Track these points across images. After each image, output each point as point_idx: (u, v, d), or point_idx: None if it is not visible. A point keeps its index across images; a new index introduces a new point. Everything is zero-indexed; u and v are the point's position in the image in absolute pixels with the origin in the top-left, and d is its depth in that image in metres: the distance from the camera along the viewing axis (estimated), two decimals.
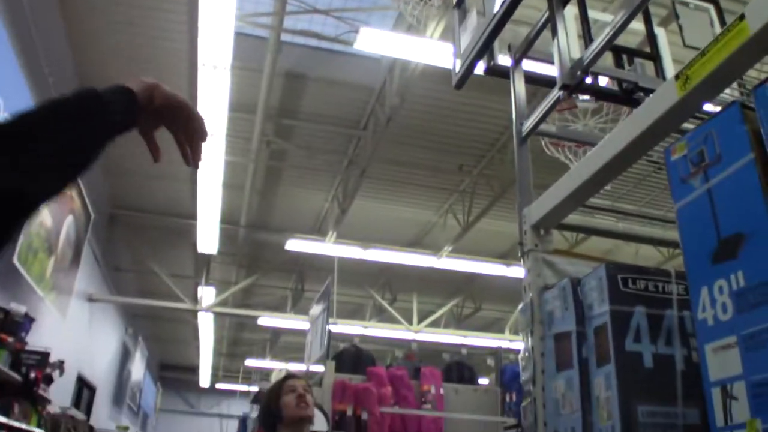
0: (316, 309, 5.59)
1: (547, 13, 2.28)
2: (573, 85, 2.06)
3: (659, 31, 3.28)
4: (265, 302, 13.84)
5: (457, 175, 8.95)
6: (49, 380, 6.32)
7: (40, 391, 6.05)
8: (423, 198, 9.65)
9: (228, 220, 10.02)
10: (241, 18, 5.74)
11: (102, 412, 12.27)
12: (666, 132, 1.70)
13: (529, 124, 2.35)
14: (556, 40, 2.13)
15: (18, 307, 5.74)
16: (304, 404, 2.62)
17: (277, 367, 12.28)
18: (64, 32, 6.59)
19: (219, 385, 20.20)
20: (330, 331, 4.67)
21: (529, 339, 2.10)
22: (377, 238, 10.49)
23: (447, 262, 10.22)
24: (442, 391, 4.53)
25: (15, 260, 5.63)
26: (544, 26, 2.42)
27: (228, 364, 19.78)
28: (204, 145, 1.25)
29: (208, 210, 8.55)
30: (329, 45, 6.77)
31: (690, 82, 1.51)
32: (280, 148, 8.51)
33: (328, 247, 9.91)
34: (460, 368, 5.17)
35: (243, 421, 8.60)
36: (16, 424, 5.45)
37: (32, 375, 5.76)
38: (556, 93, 2.13)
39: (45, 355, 6.10)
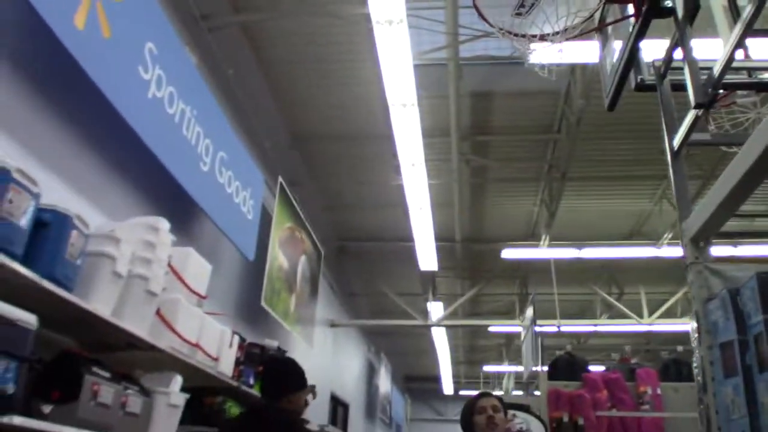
0: (527, 317, 5.78)
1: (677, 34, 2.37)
2: (707, 102, 2.14)
3: None
4: (493, 309, 14.20)
5: (663, 160, 8.61)
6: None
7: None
8: (633, 189, 9.41)
9: (443, 237, 10.53)
10: (417, 56, 6.17)
11: (357, 426, 13.35)
12: None
13: (678, 139, 2.44)
14: (685, 61, 2.23)
15: (271, 342, 6.59)
16: (492, 425, 2.98)
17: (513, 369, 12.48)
18: (271, 100, 7.53)
19: (462, 392, 20.82)
20: (542, 340, 4.87)
21: (698, 349, 2.20)
22: (593, 235, 10.40)
23: (669, 250, 9.82)
24: (659, 390, 4.52)
25: (263, 303, 6.53)
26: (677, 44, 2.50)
27: (468, 370, 20.37)
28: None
29: (422, 231, 9.09)
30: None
31: None
32: (479, 164, 8.83)
33: (542, 251, 10.02)
34: (677, 366, 5.07)
35: None
36: None
37: None
38: (692, 113, 2.22)
39: None
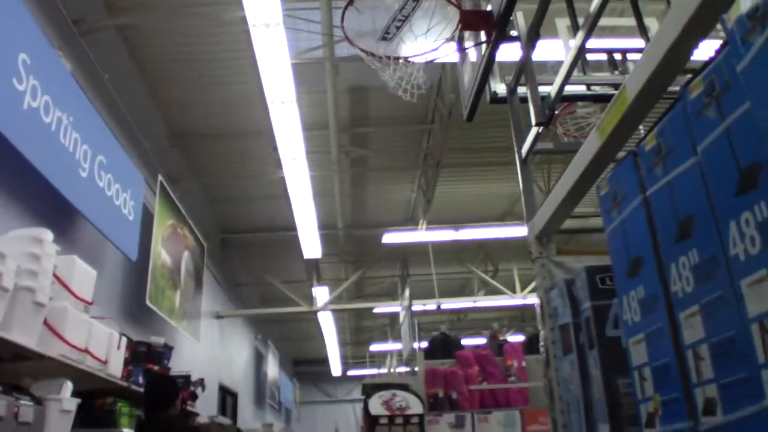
0: (405, 298, 6.15)
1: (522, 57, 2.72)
2: (545, 120, 2.50)
3: (650, 22, 3.64)
4: (376, 291, 14.65)
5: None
6: (194, 397, 7.26)
7: (189, 408, 6.99)
8: (504, 173, 9.95)
9: (326, 225, 10.80)
10: (296, 56, 6.36)
11: (246, 413, 13.46)
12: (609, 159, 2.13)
13: (524, 149, 2.80)
14: (528, 85, 2.58)
15: (157, 339, 6.63)
16: None
17: (397, 348, 12.94)
18: (150, 100, 7.49)
19: (350, 372, 21.30)
20: (417, 321, 5.28)
21: (542, 330, 2.58)
22: (469, 217, 10.97)
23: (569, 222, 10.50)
24: (524, 363, 5.02)
25: (147, 302, 6.55)
26: (523, 65, 2.85)
27: (355, 351, 20.85)
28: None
29: (305, 220, 9.31)
30: None
31: (604, 132, 1.95)
32: (359, 155, 9.14)
33: (421, 234, 10.47)
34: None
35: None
36: None
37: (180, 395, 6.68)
38: (534, 129, 2.58)
39: (187, 377, 7.02)
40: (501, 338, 5.51)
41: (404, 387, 4.66)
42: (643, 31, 3.07)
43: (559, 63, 2.52)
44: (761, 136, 1.19)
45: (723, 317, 1.37)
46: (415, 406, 4.57)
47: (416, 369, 5.04)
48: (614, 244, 1.92)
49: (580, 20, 2.41)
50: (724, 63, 1.34)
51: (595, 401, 2.20)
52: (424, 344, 5.59)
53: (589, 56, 3.45)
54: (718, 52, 1.38)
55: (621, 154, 2.19)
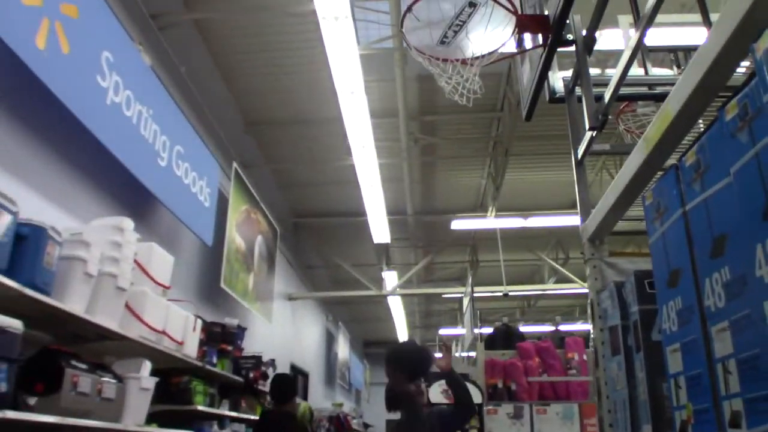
0: (467, 287, 6.23)
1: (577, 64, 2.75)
2: (598, 125, 2.54)
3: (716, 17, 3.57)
4: (446, 275, 14.75)
5: (603, 137, 9.11)
6: (265, 377, 7.56)
7: (260, 387, 7.29)
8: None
9: (395, 211, 10.94)
10: (365, 47, 6.48)
11: (317, 393, 13.84)
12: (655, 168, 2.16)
13: (580, 151, 2.84)
14: (582, 89, 2.61)
15: (231, 321, 6.94)
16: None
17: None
18: (225, 90, 7.78)
19: None
20: (479, 310, 5.37)
21: (592, 331, 2.64)
22: (540, 204, 10.91)
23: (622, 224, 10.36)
24: (585, 357, 5.02)
25: (222, 284, 6.85)
26: (579, 69, 2.87)
27: (424, 333, 21.02)
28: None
29: (374, 206, 9.47)
30: None
31: (650, 144, 1.99)
32: (428, 142, 9.22)
33: (489, 222, 10.49)
34: None
35: None
36: (245, 416, 6.70)
37: (251, 375, 6.97)
38: (589, 133, 2.61)
39: (258, 358, 7.32)
40: (562, 330, 5.54)
41: (464, 376, 4.76)
42: (708, 25, 3.04)
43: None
44: None
45: (750, 335, 1.42)
46: (474, 396, 4.66)
47: (474, 356, 5.14)
48: (656, 254, 1.96)
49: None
50: (756, 89, 1.37)
51: (640, 402, 2.24)
52: (489, 330, 5.66)
53: (652, 53, 3.44)
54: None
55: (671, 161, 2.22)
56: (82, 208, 4.34)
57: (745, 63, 1.93)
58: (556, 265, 12.67)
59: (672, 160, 1.96)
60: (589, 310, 2.66)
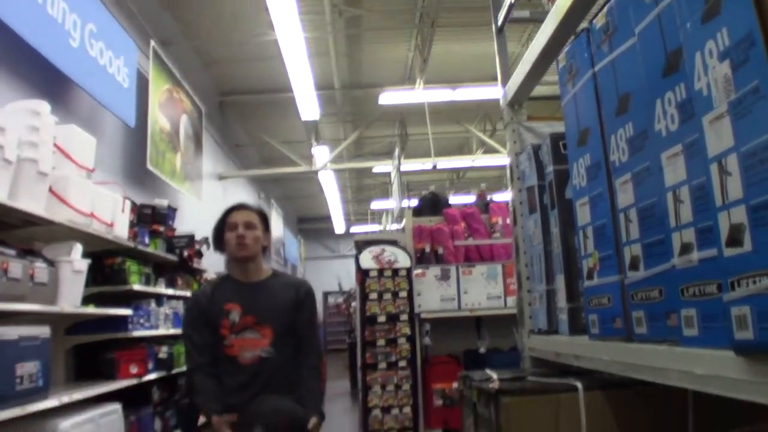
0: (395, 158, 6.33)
1: None
2: None
3: None
4: (376, 150, 14.80)
5: (527, 6, 9.06)
6: (200, 255, 7.64)
7: (195, 265, 7.38)
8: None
9: (323, 85, 10.77)
10: None
11: None
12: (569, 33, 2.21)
13: (500, 18, 2.86)
14: None
15: (161, 201, 6.89)
16: (241, 245, 2.75)
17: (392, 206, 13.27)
18: None
19: (353, 229, 21.93)
20: (406, 183, 5.53)
21: (510, 192, 2.78)
22: (468, 77, 10.89)
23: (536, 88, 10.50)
24: (508, 221, 5.25)
25: (149, 165, 6.75)
26: None
27: (357, 208, 21.36)
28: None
29: (301, 82, 9.30)
30: None
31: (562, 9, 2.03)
32: (353, 15, 8.97)
33: (417, 94, 10.47)
34: None
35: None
36: (181, 293, 6.82)
37: (185, 254, 7.04)
38: (507, 1, 2.63)
39: (191, 237, 7.36)
40: (488, 197, 5.75)
41: (393, 243, 4.95)
42: None
43: None
44: (681, 23, 1.29)
45: (648, 185, 1.54)
46: (403, 260, 4.88)
47: (403, 226, 5.33)
48: (568, 115, 2.06)
49: None
50: None
51: (554, 255, 2.41)
52: (414, 202, 5.84)
53: None
54: None
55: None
56: None
57: None
58: (484, 137, 12.89)
59: (585, 24, 2.01)
60: (507, 172, 2.78)
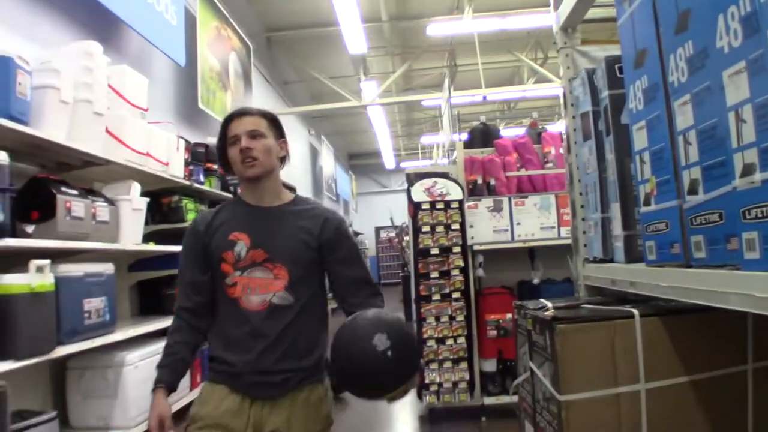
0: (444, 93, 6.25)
1: None
2: None
3: None
4: (425, 83, 14.61)
5: None
6: None
7: None
8: None
9: (370, 18, 10.61)
10: None
11: None
12: None
13: None
14: None
15: (213, 140, 7.00)
16: (248, 161, 2.13)
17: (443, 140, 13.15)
18: None
19: (403, 164, 21.90)
20: (457, 112, 5.46)
21: (564, 118, 2.71)
22: (518, 3, 10.53)
23: (590, 11, 10.12)
24: (561, 150, 5.14)
25: (200, 104, 6.81)
26: None
27: (407, 143, 21.28)
28: None
29: (347, 14, 9.17)
30: None
31: None
32: None
33: (466, 24, 10.21)
34: None
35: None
36: None
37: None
38: None
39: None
40: (540, 127, 5.63)
41: (444, 175, 4.92)
42: None
43: None
44: None
45: (709, 105, 1.48)
46: (455, 192, 4.85)
47: (455, 158, 5.29)
48: (624, 35, 1.98)
49: None
50: None
51: (609, 183, 2.36)
52: (465, 135, 5.77)
53: None
54: None
55: None
56: (44, 35, 4.20)
57: None
58: (536, 65, 12.56)
59: None
60: (561, 99, 2.71)
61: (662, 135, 1.74)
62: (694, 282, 1.55)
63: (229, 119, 2.24)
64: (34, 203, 3.20)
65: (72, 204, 3.34)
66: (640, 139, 1.89)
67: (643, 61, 1.84)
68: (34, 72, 3.15)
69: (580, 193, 2.63)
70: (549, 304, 2.11)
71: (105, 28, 5.04)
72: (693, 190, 1.59)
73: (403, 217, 19.57)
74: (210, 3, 7.43)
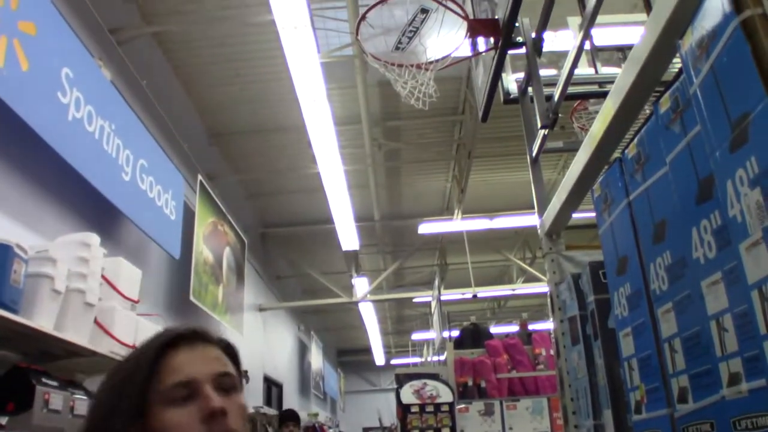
0: (435, 288, 6.33)
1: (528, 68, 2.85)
2: (549, 123, 2.64)
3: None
4: (415, 280, 14.83)
5: (561, 134, 9.31)
6: None
7: None
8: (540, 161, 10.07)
9: (363, 217, 11.02)
10: (325, 54, 6.55)
11: (292, 403, 13.78)
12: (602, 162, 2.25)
13: (534, 149, 2.94)
14: (534, 89, 2.71)
15: None
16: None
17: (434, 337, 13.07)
18: (187, 101, 7.80)
19: (393, 361, 21.56)
20: (447, 314, 5.49)
21: (552, 322, 2.73)
22: (505, 205, 11.05)
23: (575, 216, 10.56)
24: (552, 351, 5.12)
25: (192, 297, 6.84)
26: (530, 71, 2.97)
27: (398, 339, 21.11)
28: None
29: (341, 213, 9.51)
30: None
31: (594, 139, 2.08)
32: (391, 148, 9.31)
33: (456, 224, 10.60)
34: None
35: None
36: None
37: None
38: (541, 132, 2.71)
39: None
40: (530, 328, 5.66)
41: (434, 377, 4.84)
42: None
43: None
44: (710, 152, 1.32)
45: (691, 314, 1.51)
46: (445, 395, 4.75)
47: (445, 358, 5.25)
48: (606, 243, 2.06)
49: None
50: (684, 83, 1.47)
51: (600, 388, 2.33)
52: (456, 333, 5.77)
53: (603, 53, 3.56)
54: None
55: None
56: (46, 225, 4.32)
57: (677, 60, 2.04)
58: (524, 265, 12.85)
59: (617, 154, 2.05)
60: (549, 303, 2.75)
61: (648, 342, 1.75)
62: None
63: (169, 342, 1.14)
64: (12, 393, 3.10)
65: (51, 396, 3.23)
66: (627, 345, 1.90)
67: (625, 268, 1.90)
68: (30, 260, 3.20)
69: (572, 399, 2.58)
70: None
71: (105, 219, 5.20)
72: (683, 398, 1.57)
73: (392, 417, 18.87)
74: (209, 200, 7.72)
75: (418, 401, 4.76)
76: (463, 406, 4.78)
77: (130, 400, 1.07)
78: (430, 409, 4.75)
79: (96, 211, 5.01)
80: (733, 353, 1.31)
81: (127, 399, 1.07)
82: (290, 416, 5.41)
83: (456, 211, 10.50)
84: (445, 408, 4.73)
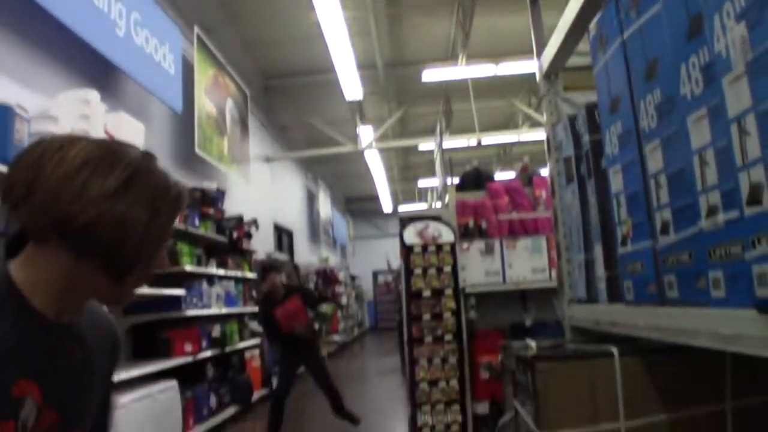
0: (436, 138, 6.37)
1: None
2: None
3: None
4: (421, 127, 14.80)
5: None
6: (249, 236, 7.82)
7: (244, 246, 7.56)
8: (547, 4, 9.70)
9: (366, 65, 10.81)
10: None
11: (302, 250, 14.29)
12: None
13: None
14: None
15: (209, 184, 7.07)
16: None
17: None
18: None
19: (401, 208, 21.99)
20: (449, 156, 5.58)
21: (548, 162, 2.78)
22: (512, 50, 10.75)
23: (580, 59, 10.32)
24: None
25: (197, 150, 6.91)
26: None
27: (404, 186, 21.40)
28: None
29: (343, 61, 9.35)
30: None
31: None
32: None
33: (461, 70, 10.42)
34: None
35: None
36: (232, 273, 7.00)
37: (234, 235, 7.21)
38: None
39: (239, 218, 7.54)
40: (531, 170, 5.72)
41: (437, 218, 4.98)
42: None
43: None
44: None
45: (676, 150, 1.55)
46: (447, 235, 4.91)
47: (447, 201, 5.38)
48: (600, 83, 2.06)
49: None
50: None
51: (592, 225, 2.42)
52: (458, 179, 5.86)
53: None
54: None
55: None
56: (45, 84, 4.30)
57: None
58: (529, 110, 12.75)
59: None
60: (545, 144, 2.79)
61: (636, 178, 1.80)
62: (667, 321, 1.59)
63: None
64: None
65: None
66: (616, 182, 1.95)
67: (617, 107, 1.91)
68: (32, 119, 3.23)
69: (565, 235, 2.69)
70: (533, 344, 2.15)
71: (104, 76, 5.16)
72: (665, 231, 1.65)
73: (398, 260, 19.47)
74: (207, 52, 7.58)
75: (420, 241, 4.93)
76: (464, 246, 4.95)
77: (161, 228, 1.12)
78: (432, 249, 4.92)
79: (94, 69, 4.97)
80: (713, 186, 1.36)
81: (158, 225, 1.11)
82: (271, 266, 5.72)
83: (460, 57, 10.28)
84: (447, 248, 4.91)
